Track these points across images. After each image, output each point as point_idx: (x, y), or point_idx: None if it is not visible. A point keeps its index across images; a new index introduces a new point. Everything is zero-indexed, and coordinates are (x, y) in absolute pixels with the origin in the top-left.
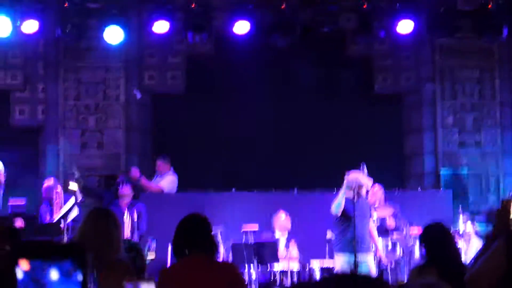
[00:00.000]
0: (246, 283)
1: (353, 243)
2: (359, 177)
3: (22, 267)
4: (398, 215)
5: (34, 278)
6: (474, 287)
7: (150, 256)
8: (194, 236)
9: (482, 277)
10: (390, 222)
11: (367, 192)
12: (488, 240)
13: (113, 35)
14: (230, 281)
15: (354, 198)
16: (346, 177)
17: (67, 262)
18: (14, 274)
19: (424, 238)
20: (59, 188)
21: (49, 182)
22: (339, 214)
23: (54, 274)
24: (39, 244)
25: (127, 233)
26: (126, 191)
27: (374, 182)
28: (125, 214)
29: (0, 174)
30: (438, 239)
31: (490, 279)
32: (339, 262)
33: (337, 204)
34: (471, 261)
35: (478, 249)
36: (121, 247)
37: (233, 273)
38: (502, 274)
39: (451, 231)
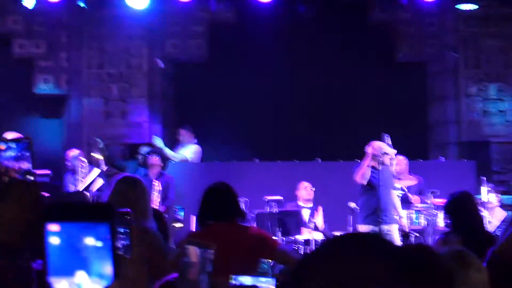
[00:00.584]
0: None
1: (377, 213)
2: (383, 146)
3: (53, 229)
4: (422, 187)
5: (69, 242)
6: (503, 257)
7: (178, 225)
8: (220, 204)
9: (510, 248)
10: (414, 199)
11: (391, 161)
12: None
13: (137, 1)
14: (260, 243)
15: (378, 167)
16: (368, 146)
17: (101, 226)
18: (43, 237)
19: (449, 206)
20: (84, 158)
21: (73, 152)
22: (364, 183)
23: (89, 239)
24: (70, 206)
25: (155, 203)
26: (155, 161)
27: (398, 152)
28: (154, 184)
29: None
30: (463, 208)
31: None
32: None
33: (362, 173)
34: (501, 233)
35: (502, 219)
36: (150, 214)
37: (262, 235)
38: None
39: (475, 200)
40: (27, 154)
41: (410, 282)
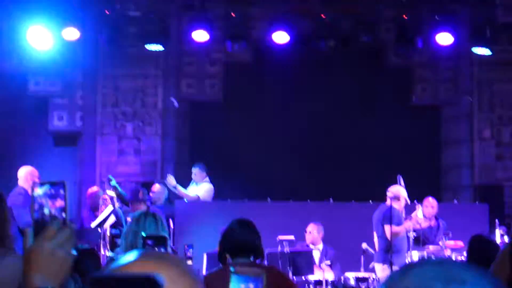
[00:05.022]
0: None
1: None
2: (400, 190)
3: None
4: (440, 227)
5: None
6: None
7: (188, 262)
8: (244, 240)
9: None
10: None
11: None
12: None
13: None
14: (280, 283)
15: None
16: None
17: None
18: None
19: (471, 248)
20: (106, 196)
21: (93, 189)
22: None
23: None
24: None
25: None
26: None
27: (410, 194)
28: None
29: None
30: (485, 252)
31: None
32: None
33: (397, 235)
34: None
35: None
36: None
37: (282, 276)
38: (507, 279)
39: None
40: (62, 193)
41: None
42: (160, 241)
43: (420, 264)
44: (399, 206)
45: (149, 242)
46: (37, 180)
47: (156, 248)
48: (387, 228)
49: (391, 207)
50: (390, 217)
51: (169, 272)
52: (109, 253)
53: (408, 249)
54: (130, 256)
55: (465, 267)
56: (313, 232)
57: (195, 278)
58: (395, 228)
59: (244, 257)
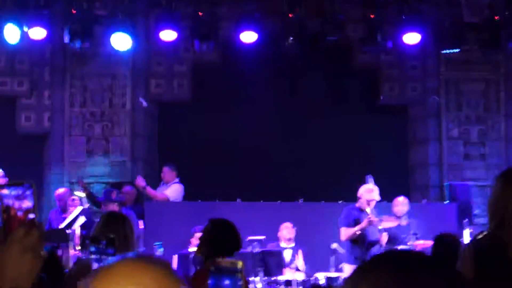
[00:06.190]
0: None
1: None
2: (369, 193)
3: None
4: (409, 226)
5: None
6: None
7: None
8: (226, 240)
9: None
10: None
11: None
12: None
13: (121, 42)
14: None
15: (365, 209)
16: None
17: None
18: None
19: (436, 247)
20: (75, 196)
21: (62, 190)
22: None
23: None
24: None
25: None
26: (113, 207)
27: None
28: None
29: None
30: (450, 251)
31: None
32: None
33: (350, 236)
34: None
35: None
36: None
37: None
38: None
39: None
40: (29, 194)
41: None
42: (109, 241)
43: (376, 266)
44: (361, 206)
45: (103, 242)
46: (1, 180)
47: (106, 248)
48: (341, 230)
49: (346, 208)
50: (342, 218)
51: (154, 274)
52: (78, 254)
53: (380, 249)
54: (115, 258)
55: (426, 268)
56: (290, 227)
57: (179, 279)
58: (346, 230)
59: (229, 255)
